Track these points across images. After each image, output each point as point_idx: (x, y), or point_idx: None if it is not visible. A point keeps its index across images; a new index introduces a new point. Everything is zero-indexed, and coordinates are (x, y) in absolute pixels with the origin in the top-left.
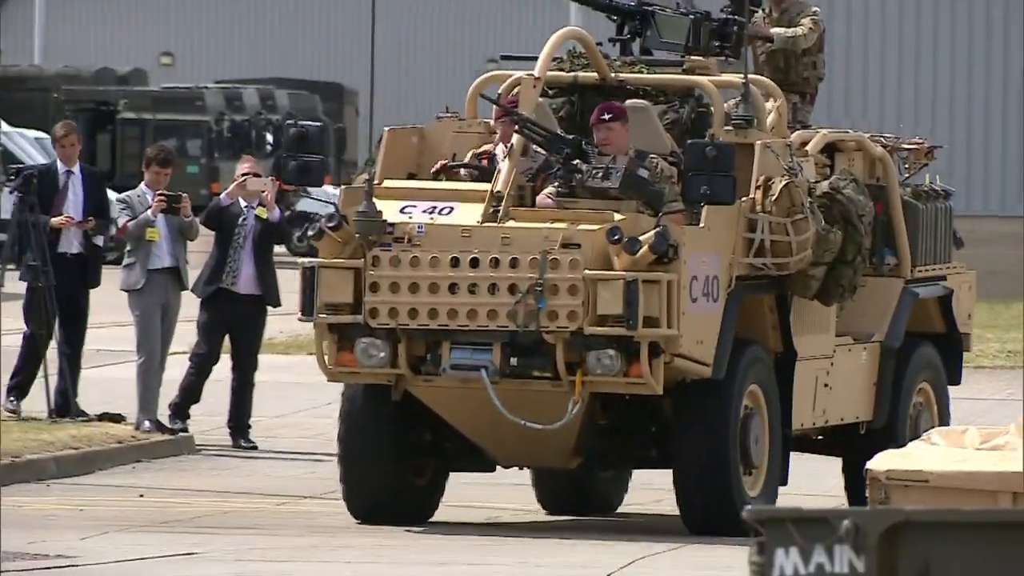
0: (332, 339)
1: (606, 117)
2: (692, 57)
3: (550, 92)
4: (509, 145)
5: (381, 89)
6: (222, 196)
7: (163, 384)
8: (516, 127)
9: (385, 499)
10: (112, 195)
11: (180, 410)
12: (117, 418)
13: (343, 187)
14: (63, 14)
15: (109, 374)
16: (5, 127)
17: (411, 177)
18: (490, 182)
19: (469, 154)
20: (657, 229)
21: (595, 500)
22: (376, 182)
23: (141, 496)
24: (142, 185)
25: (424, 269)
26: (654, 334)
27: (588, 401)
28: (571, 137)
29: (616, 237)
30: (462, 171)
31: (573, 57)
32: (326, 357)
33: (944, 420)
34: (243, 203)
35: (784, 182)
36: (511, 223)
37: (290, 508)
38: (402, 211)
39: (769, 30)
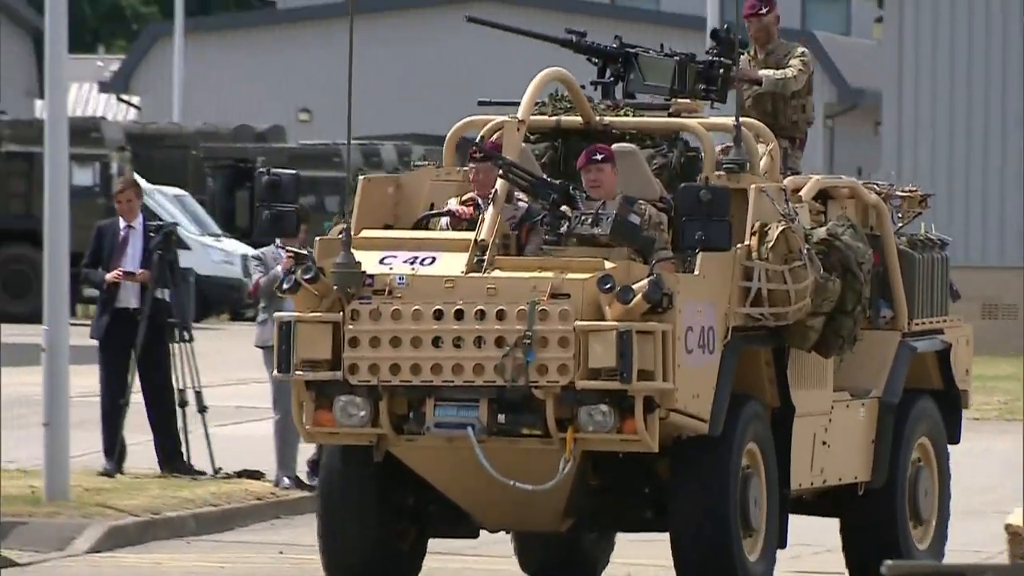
0: (310, 397)
1: (597, 158)
2: (679, 100)
3: (532, 137)
4: (493, 191)
5: None
6: None
7: (301, 440)
8: (500, 172)
9: (365, 562)
10: (249, 251)
11: (319, 466)
12: (256, 475)
13: (318, 238)
14: (202, 72)
15: (248, 431)
16: (145, 185)
17: (388, 228)
18: (473, 231)
19: (451, 201)
20: (650, 277)
21: (580, 562)
22: (353, 232)
23: (281, 553)
24: (276, 242)
25: (406, 322)
26: (649, 388)
27: (580, 460)
28: (558, 182)
29: (608, 286)
30: (443, 221)
31: (555, 100)
32: (303, 416)
33: (944, 477)
34: None
35: (781, 228)
36: (497, 273)
37: (437, 565)
38: (382, 262)
39: (757, 72)
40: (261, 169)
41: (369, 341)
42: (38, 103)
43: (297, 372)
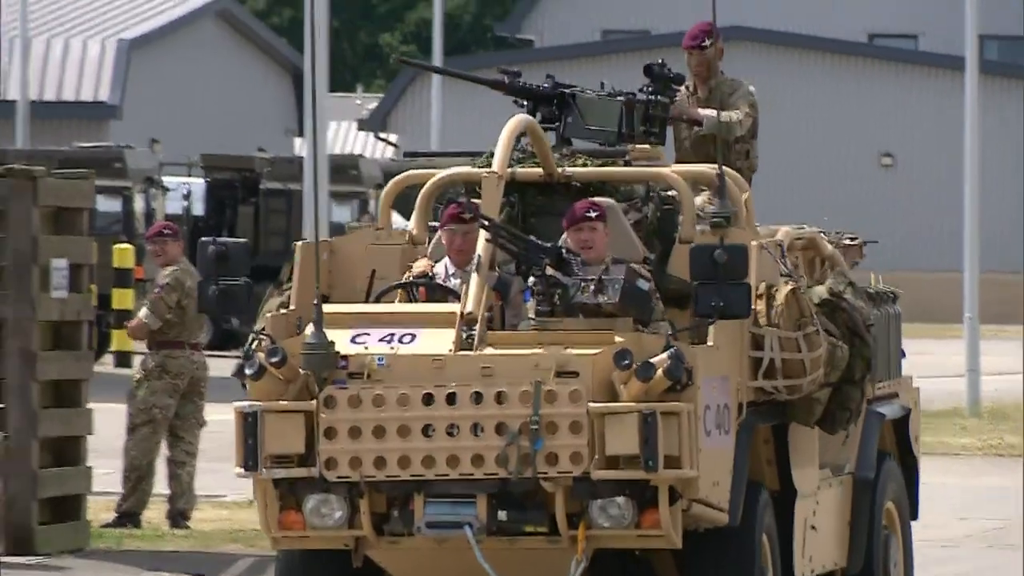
0: (275, 495)
1: (591, 216)
2: (639, 146)
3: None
4: (476, 258)
5: None
6: None
7: None
8: (488, 236)
9: None
10: None
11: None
12: None
13: (268, 314)
14: (458, 110)
15: None
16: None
17: (325, 299)
18: (438, 302)
19: (417, 267)
20: (671, 350)
21: None
22: (293, 306)
23: None
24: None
25: (391, 409)
26: (675, 476)
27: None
28: (549, 245)
29: (626, 362)
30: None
31: (513, 151)
32: (267, 518)
33: (907, 543)
34: None
35: (789, 288)
36: (490, 350)
37: None
38: (354, 340)
39: (697, 111)
40: (205, 239)
41: (348, 431)
42: (297, 141)
43: (266, 469)
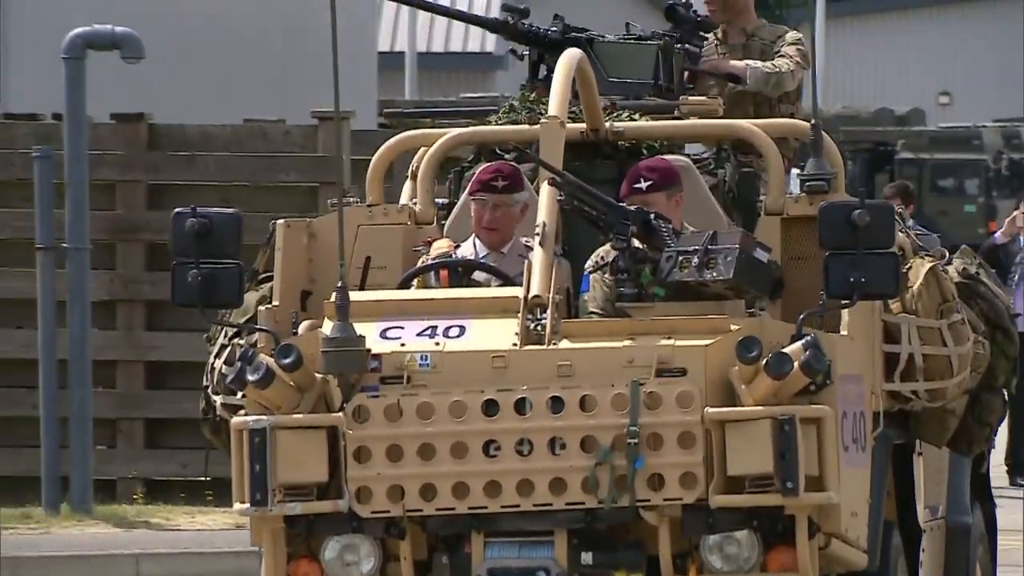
0: (283, 539)
1: (643, 185)
2: (693, 98)
3: (506, 155)
4: (542, 226)
5: None
6: (997, 235)
7: None
8: (561, 196)
9: None
10: None
11: None
12: None
13: (263, 307)
14: (841, 56)
15: None
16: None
17: (306, 295)
18: (472, 285)
19: (434, 250)
20: (807, 338)
21: None
22: (276, 300)
23: None
24: None
25: (442, 422)
26: (820, 503)
27: None
28: (634, 209)
29: (753, 353)
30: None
31: (530, 102)
32: (273, 566)
33: None
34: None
35: (928, 266)
36: (567, 343)
37: None
38: (384, 336)
39: (737, 64)
40: (181, 209)
41: (387, 452)
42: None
43: (279, 503)
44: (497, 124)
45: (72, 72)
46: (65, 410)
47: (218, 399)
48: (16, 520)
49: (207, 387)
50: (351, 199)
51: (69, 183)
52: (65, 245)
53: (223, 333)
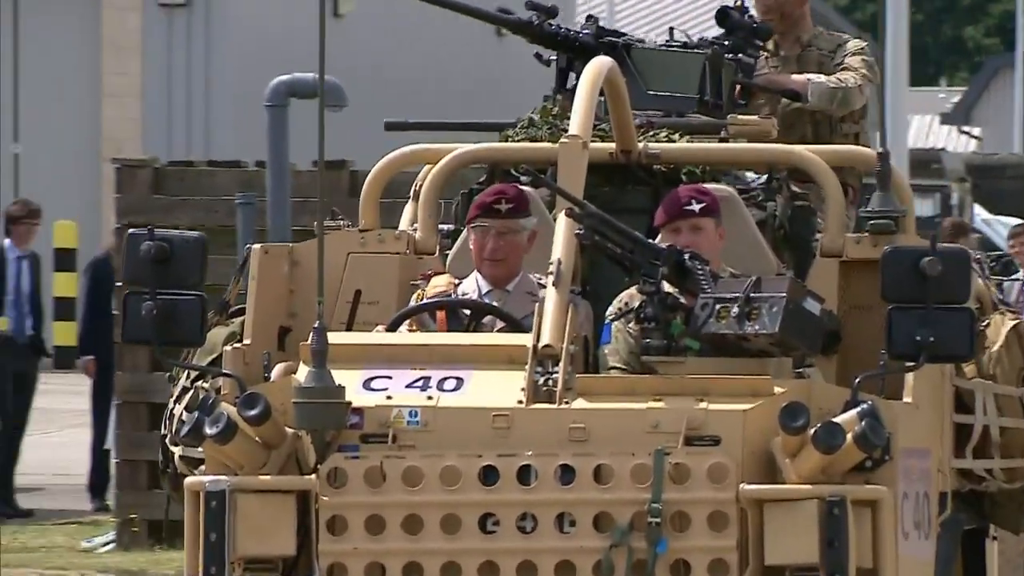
0: None
1: (694, 208)
2: (743, 116)
3: (521, 176)
4: (555, 262)
5: None
6: None
7: None
8: (581, 231)
9: None
10: None
11: None
12: None
13: (229, 348)
14: None
15: None
16: (986, 215)
17: (284, 332)
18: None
19: (431, 288)
20: (863, 407)
21: None
22: (247, 339)
23: None
24: None
25: (432, 490)
26: None
27: None
28: (666, 247)
29: (799, 422)
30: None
31: (552, 117)
32: None
33: None
34: None
35: (1012, 324)
36: (582, 402)
37: None
38: (368, 386)
39: (793, 78)
40: (135, 231)
41: (366, 523)
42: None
43: None
44: (513, 140)
45: (275, 119)
46: None
47: (176, 451)
48: None
49: (165, 436)
50: (341, 221)
51: (271, 229)
52: None
53: (185, 374)
